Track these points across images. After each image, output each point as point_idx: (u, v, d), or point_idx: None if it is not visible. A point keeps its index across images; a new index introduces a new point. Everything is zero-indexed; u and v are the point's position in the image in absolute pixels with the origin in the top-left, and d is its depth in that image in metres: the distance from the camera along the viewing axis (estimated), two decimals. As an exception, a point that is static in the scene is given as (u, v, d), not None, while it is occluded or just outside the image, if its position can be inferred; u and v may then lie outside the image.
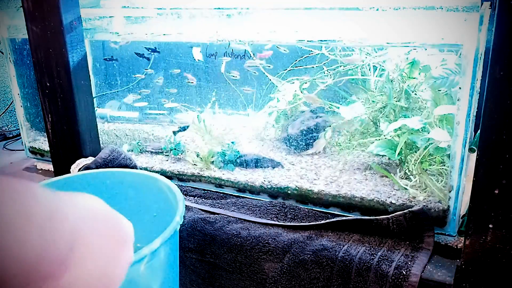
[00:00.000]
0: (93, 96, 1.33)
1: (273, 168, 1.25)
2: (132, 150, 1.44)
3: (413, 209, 0.93)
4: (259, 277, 0.99)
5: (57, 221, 0.31)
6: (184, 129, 1.35)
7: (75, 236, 0.33)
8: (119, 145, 1.46)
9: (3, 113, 2.02)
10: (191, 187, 1.28)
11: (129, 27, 1.27)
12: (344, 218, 1.00)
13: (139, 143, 1.44)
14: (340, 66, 1.23)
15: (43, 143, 1.56)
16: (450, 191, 0.95)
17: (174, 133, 1.37)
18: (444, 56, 1.07)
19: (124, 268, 0.40)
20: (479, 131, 0.76)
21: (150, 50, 1.36)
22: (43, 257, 0.29)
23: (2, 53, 1.64)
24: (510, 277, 0.78)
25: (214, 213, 1.11)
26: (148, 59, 1.38)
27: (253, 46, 1.21)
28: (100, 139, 1.35)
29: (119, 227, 0.41)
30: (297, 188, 1.14)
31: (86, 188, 1.06)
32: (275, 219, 1.07)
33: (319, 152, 1.30)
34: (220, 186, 1.25)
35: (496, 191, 0.75)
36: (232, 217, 1.08)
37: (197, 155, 1.31)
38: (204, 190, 1.26)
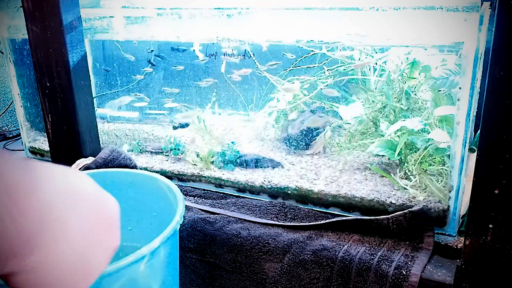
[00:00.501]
0: (93, 96, 1.33)
1: (273, 168, 1.25)
2: (132, 150, 1.44)
3: (413, 209, 0.93)
4: (259, 277, 0.99)
5: (15, 192, 0.26)
6: (183, 126, 1.35)
7: (47, 213, 0.29)
8: (119, 145, 1.46)
9: (3, 113, 2.02)
10: (191, 187, 1.28)
11: (129, 27, 1.28)
12: (344, 218, 1.00)
13: (139, 143, 1.44)
14: (341, 66, 1.23)
15: (43, 143, 1.56)
16: (450, 191, 0.95)
17: (174, 128, 1.36)
18: (444, 56, 1.07)
19: (107, 254, 0.35)
20: (479, 131, 0.76)
21: (154, 55, 1.36)
22: None
23: (2, 53, 1.64)
24: (510, 277, 0.78)
25: (214, 213, 1.11)
26: (180, 49, 1.35)
27: (253, 46, 1.21)
28: (100, 139, 1.35)
29: (104, 207, 0.36)
30: (297, 188, 1.14)
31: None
32: (275, 219, 1.07)
33: (319, 152, 1.30)
34: (220, 186, 1.25)
35: (496, 191, 0.75)
36: (232, 217, 1.08)
37: (197, 155, 1.31)
38: (204, 190, 1.26)
